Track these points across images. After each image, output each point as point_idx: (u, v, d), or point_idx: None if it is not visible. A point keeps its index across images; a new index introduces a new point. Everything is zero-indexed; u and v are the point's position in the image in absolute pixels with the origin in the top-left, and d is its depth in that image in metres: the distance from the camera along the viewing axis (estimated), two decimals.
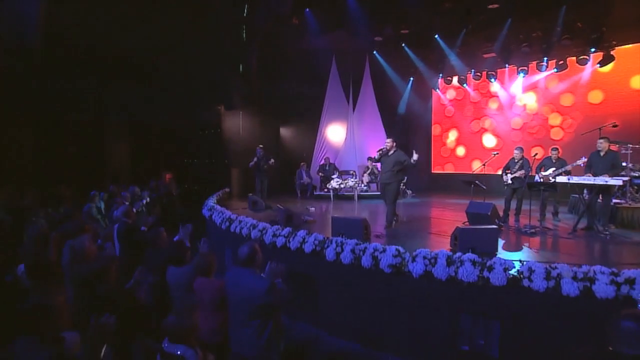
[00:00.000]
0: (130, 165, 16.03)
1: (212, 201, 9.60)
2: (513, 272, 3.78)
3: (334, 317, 5.08)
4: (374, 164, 12.13)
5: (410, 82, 14.28)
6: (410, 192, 12.98)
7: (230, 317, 3.29)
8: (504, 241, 5.88)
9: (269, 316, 3.13)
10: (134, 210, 8.75)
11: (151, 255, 4.26)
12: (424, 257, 4.21)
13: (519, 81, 12.22)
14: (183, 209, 12.36)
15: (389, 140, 7.26)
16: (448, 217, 8.58)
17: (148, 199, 9.66)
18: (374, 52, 13.47)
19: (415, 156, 7.01)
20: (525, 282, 3.64)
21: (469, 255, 4.02)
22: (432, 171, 14.86)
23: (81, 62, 12.41)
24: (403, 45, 12.62)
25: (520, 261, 3.92)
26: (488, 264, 3.86)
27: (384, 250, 4.53)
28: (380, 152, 7.22)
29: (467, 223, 6.89)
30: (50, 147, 13.06)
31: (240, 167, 13.51)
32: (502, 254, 5.02)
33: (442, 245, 5.62)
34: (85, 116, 13.92)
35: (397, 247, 4.51)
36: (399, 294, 4.43)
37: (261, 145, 10.65)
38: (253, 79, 13.24)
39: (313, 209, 10.06)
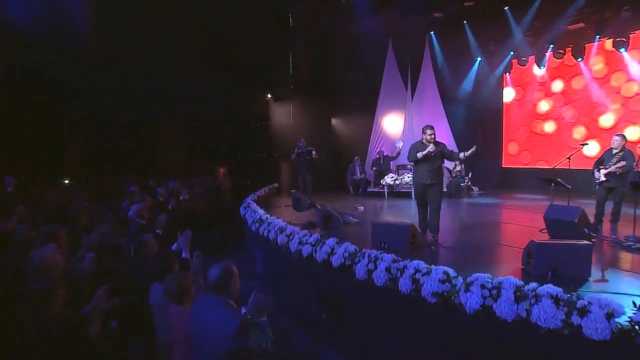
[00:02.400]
0: (185, 160, 16.09)
1: (250, 198, 8.92)
2: (622, 320, 2.49)
3: (364, 348, 4.06)
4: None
5: (477, 63, 12.52)
6: (477, 189, 11.43)
7: None
8: (596, 259, 4.37)
9: None
10: (169, 207, 8.41)
11: (136, 269, 3.54)
12: (482, 286, 3.03)
13: (615, 54, 10.08)
14: (233, 204, 11.98)
15: (431, 130, 5.63)
16: (521, 221, 7.08)
17: (186, 196, 9.26)
18: (431, 32, 11.97)
19: (470, 151, 5.58)
20: None
21: (550, 289, 2.78)
22: (503, 165, 13.03)
23: (132, 58, 12.43)
24: (465, 22, 10.99)
25: (633, 303, 2.59)
26: (579, 304, 2.61)
27: (428, 272, 3.41)
28: (434, 146, 5.53)
29: (546, 231, 5.48)
30: (105, 142, 13.31)
31: (289, 162, 12.90)
32: (596, 280, 3.65)
33: (512, 263, 4.35)
34: (139, 112, 14.02)
35: (445, 268, 3.36)
36: (447, 333, 3.30)
37: (303, 138, 9.80)
38: (300, 66, 12.44)
39: (362, 207, 9.02)
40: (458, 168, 10.89)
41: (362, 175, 12.15)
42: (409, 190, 10.62)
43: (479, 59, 12.35)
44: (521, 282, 2.95)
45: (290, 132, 13.04)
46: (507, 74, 12.56)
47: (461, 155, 5.56)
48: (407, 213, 8.91)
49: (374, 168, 12.16)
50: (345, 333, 4.28)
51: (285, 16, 11.95)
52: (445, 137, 11.79)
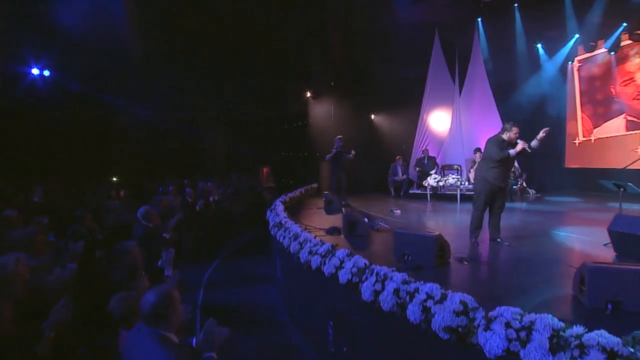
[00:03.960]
0: (228, 160, 16.20)
1: (280, 200, 8.53)
2: None
3: None
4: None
5: (539, 50, 11.20)
6: (534, 192, 10.25)
7: None
8: None
9: None
10: (197, 208, 8.24)
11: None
12: (507, 325, 2.32)
13: None
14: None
15: (517, 128, 5.15)
16: (582, 232, 6.02)
17: (216, 197, 9.07)
18: (478, 19, 10.91)
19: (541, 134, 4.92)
20: None
21: (602, 338, 2.02)
22: (566, 166, 11.60)
23: (180, 60, 12.61)
24: (515, 5, 9.86)
25: None
26: None
27: (442, 300, 2.73)
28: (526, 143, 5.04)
29: (611, 246, 4.51)
30: (151, 142, 13.64)
31: (327, 161, 12.46)
32: None
33: (561, 287, 3.50)
34: (183, 113, 14.24)
35: (463, 296, 2.67)
36: None
37: (340, 136, 9.23)
38: (340, 62, 11.90)
39: (399, 211, 8.34)
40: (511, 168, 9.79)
41: (404, 176, 11.39)
42: (454, 192, 9.71)
43: (539, 45, 11.08)
44: (560, 324, 2.20)
45: (330, 131, 12.56)
46: (570, 62, 11.14)
47: (533, 143, 4.96)
48: (450, 218, 8.12)
49: (417, 168, 11.38)
50: (352, 358, 3.70)
51: (322, 9, 11.47)
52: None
